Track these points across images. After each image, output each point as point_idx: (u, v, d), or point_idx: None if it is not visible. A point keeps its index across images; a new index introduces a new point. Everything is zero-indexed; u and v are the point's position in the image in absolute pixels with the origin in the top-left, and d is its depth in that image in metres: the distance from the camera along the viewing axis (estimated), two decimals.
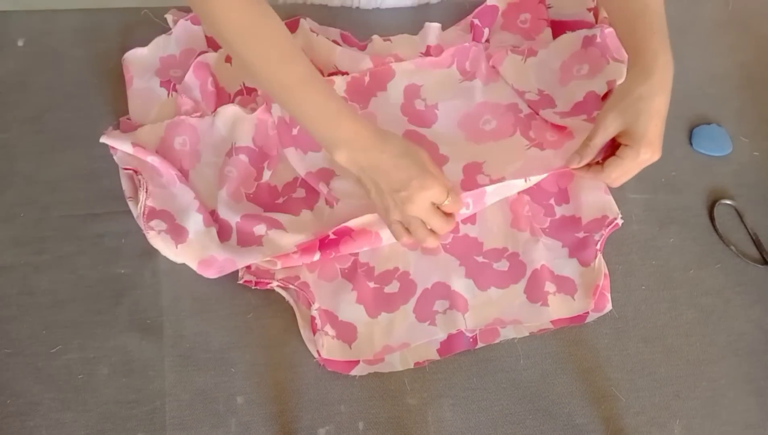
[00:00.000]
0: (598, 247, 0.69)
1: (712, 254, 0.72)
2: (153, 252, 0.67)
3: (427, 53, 0.77)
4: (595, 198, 0.71)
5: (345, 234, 0.67)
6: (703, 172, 0.77)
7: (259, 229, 0.67)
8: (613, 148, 0.67)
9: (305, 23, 0.77)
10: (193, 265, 0.66)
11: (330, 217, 0.69)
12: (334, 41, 0.78)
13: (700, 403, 0.65)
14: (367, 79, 0.75)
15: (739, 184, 0.76)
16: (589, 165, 0.68)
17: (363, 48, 0.79)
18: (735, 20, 0.87)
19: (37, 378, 0.62)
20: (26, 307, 0.65)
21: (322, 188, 0.70)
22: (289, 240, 0.66)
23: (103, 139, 0.69)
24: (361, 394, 0.63)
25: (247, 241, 0.67)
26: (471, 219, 0.70)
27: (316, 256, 0.66)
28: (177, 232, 0.66)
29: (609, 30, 0.76)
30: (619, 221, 0.70)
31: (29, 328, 0.64)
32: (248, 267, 0.66)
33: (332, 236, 0.67)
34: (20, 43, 0.77)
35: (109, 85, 0.75)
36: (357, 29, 0.80)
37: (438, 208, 0.64)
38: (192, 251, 0.65)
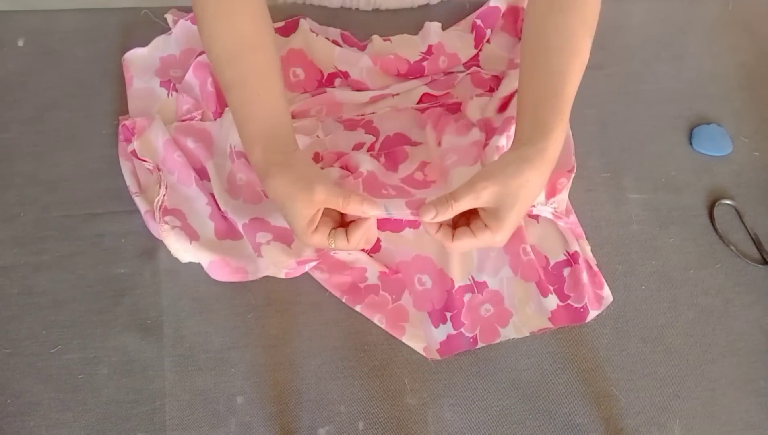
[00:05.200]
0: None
1: (712, 254, 0.72)
2: (153, 252, 0.67)
3: (428, 52, 0.77)
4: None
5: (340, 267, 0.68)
6: (703, 172, 0.77)
7: (263, 236, 0.67)
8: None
9: (305, 23, 0.77)
10: (205, 264, 0.66)
11: None
12: (334, 41, 0.78)
13: (700, 403, 0.65)
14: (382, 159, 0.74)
15: (739, 184, 0.76)
16: (440, 223, 0.59)
17: (363, 48, 0.79)
18: (735, 20, 0.87)
19: (37, 378, 0.62)
20: (26, 307, 0.65)
21: None
22: (289, 256, 0.66)
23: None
24: (361, 394, 0.63)
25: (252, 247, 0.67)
26: None
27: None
28: (190, 231, 0.66)
29: None
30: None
31: (29, 328, 0.64)
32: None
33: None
34: (20, 43, 0.77)
35: (109, 85, 0.75)
36: (357, 29, 0.80)
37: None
38: (205, 249, 0.66)
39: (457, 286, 0.68)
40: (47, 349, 0.63)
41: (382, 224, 0.70)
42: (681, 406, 0.65)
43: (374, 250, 0.69)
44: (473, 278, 0.69)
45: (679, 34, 0.85)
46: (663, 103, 0.80)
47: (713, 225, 0.74)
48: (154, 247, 0.67)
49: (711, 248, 0.73)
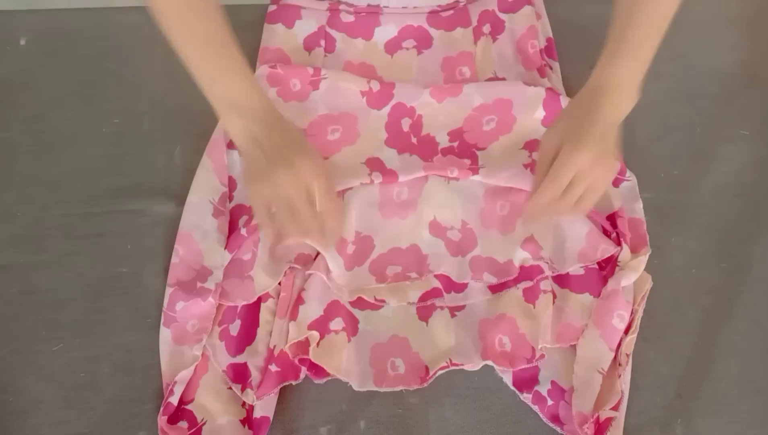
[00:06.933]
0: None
1: (713, 253, 0.72)
2: (153, 251, 0.67)
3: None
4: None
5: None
6: (703, 171, 0.76)
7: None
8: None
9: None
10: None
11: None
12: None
13: (701, 402, 0.65)
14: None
15: (739, 183, 0.76)
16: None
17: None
18: (737, 18, 0.87)
19: (39, 376, 0.62)
20: (27, 306, 0.65)
21: None
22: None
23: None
24: (362, 393, 0.63)
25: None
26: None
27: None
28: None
29: None
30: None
31: (30, 327, 0.64)
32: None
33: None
34: (22, 42, 0.77)
35: (110, 84, 0.75)
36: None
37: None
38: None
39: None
40: (49, 347, 0.63)
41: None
42: (683, 405, 0.65)
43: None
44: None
45: (681, 32, 0.85)
46: (664, 102, 0.80)
47: (714, 224, 0.73)
48: (154, 246, 0.67)
49: (712, 248, 0.73)
